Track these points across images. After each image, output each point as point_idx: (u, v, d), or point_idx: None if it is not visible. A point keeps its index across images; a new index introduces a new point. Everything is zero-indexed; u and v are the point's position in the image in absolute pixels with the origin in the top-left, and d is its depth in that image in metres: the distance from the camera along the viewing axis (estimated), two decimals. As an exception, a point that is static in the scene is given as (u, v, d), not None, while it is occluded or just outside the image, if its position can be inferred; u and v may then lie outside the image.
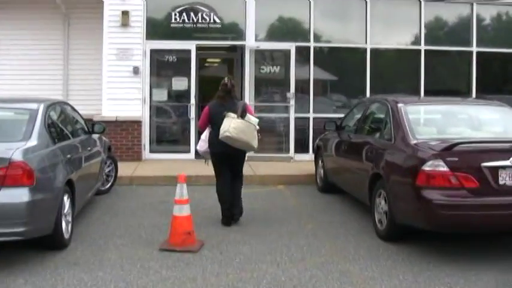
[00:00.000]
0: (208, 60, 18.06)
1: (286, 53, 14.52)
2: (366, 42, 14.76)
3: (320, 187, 11.21)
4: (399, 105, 8.27)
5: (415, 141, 7.42)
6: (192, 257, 6.93)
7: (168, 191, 10.01)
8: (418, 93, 14.76)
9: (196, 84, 14.57)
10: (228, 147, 8.34)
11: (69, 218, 7.45)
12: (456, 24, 15.48)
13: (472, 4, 15.08)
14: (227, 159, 8.59)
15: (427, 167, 6.79)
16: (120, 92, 13.90)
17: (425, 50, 14.93)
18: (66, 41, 15.01)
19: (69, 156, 7.71)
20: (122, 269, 6.50)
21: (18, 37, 14.83)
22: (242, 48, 14.81)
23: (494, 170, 6.72)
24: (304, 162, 13.46)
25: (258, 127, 8.46)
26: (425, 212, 6.79)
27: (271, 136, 14.54)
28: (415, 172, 6.90)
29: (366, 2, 14.65)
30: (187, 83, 14.43)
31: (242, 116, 8.30)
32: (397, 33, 15.20)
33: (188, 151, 14.21)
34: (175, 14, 14.30)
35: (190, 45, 14.33)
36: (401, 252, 7.19)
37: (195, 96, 14.44)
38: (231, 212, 8.59)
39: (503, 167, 6.73)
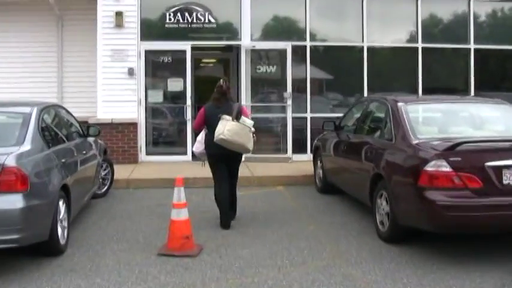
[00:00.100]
0: (204, 60, 17.96)
1: (282, 53, 14.38)
2: (363, 41, 14.64)
3: (319, 188, 11.08)
4: (399, 104, 8.14)
5: (416, 141, 7.29)
6: (191, 262, 6.80)
7: (166, 194, 9.88)
8: (415, 91, 14.67)
9: (192, 85, 14.46)
10: (224, 149, 8.33)
11: (65, 224, 7.30)
12: (453, 21, 15.37)
13: (469, 0, 14.97)
14: (224, 160, 8.56)
15: (429, 168, 6.66)
16: (115, 93, 13.75)
17: (422, 48, 14.82)
18: (60, 42, 14.86)
19: (63, 160, 7.56)
20: (119, 275, 6.36)
21: (10, 39, 14.69)
22: (238, 48, 14.71)
23: (498, 170, 6.59)
24: (303, 163, 13.31)
25: (253, 129, 8.45)
26: (429, 213, 6.66)
27: (269, 136, 14.47)
28: (418, 173, 6.76)
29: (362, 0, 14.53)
30: (183, 83, 14.29)
31: (237, 118, 8.30)
32: (393, 31, 15.08)
33: (185, 153, 14.06)
34: (169, 14, 14.16)
35: (186, 46, 14.19)
36: (403, 254, 7.06)
37: (191, 97, 14.32)
38: (229, 215, 8.52)
39: (508, 167, 6.60)
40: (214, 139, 8.22)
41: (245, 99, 14.14)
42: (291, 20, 14.96)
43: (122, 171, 12.04)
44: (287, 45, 14.25)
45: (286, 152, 14.29)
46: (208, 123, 8.52)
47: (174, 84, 14.40)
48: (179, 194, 7.19)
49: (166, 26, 14.24)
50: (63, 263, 6.77)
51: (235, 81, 15.38)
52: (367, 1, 14.54)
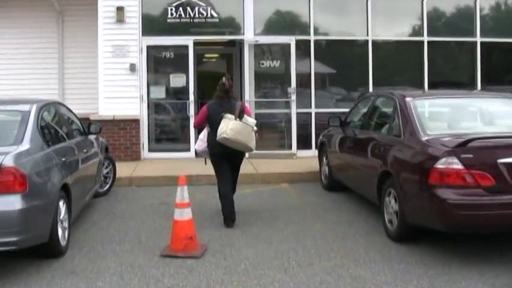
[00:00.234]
0: (207, 55, 17.75)
1: (286, 47, 14.18)
2: (368, 34, 14.44)
3: (325, 185, 10.89)
4: (407, 99, 7.93)
5: (426, 138, 7.08)
6: (195, 263, 6.62)
7: (169, 192, 9.80)
8: (421, 85, 14.46)
9: (195, 80, 14.25)
10: (226, 148, 8.30)
11: (66, 224, 7.12)
12: (459, 14, 15.13)
13: (475, -7, 14.78)
14: (226, 158, 8.51)
15: (440, 165, 6.46)
16: (117, 90, 13.58)
17: (428, 41, 14.60)
18: (61, 39, 14.73)
19: (64, 159, 7.37)
20: (121, 278, 6.19)
21: (10, 36, 14.58)
22: (241, 43, 14.49)
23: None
24: (307, 159, 13.14)
25: (255, 128, 8.45)
26: (439, 212, 6.46)
27: (273, 132, 14.33)
28: (428, 170, 6.56)
29: (367, -8, 14.36)
30: (186, 79, 14.12)
31: (239, 117, 8.27)
32: (399, 25, 14.87)
33: (188, 149, 13.88)
34: (171, 9, 13.97)
35: (188, 41, 14.01)
36: (413, 253, 6.87)
37: (193, 92, 14.11)
38: (233, 213, 8.39)
39: (521, 163, 6.40)
40: (217, 138, 8.18)
41: (248, 94, 13.96)
42: (295, 14, 14.73)
43: (124, 169, 11.87)
44: (291, 40, 14.05)
45: (290, 148, 14.09)
46: (211, 122, 8.48)
47: (176, 80, 14.23)
48: (182, 193, 7.00)
49: (168, 20, 14.05)
50: (63, 265, 6.60)
51: (239, 76, 15.15)
52: (372, -5, 14.37)
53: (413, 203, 6.93)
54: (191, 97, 14.04)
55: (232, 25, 14.49)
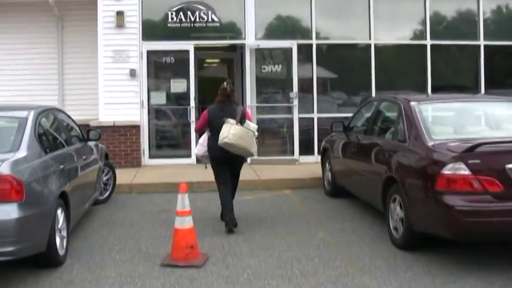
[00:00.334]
0: (208, 60, 17.67)
1: (287, 51, 14.06)
2: (370, 38, 14.30)
3: (328, 191, 10.73)
4: (412, 103, 7.78)
5: (432, 143, 6.92)
6: (197, 273, 6.46)
7: (169, 199, 9.66)
8: (424, 89, 14.32)
9: (196, 85, 14.14)
10: (227, 153, 8.27)
11: (64, 233, 6.98)
12: (462, 17, 14.99)
13: (478, -4, 14.64)
14: (226, 163, 8.49)
15: (446, 171, 6.31)
16: (117, 95, 13.45)
17: (431, 45, 14.45)
18: (60, 44, 14.59)
19: (62, 166, 7.23)
20: (120, 289, 6.04)
21: (10, 41, 14.42)
22: (242, 48, 14.38)
23: (520, 172, 6.24)
24: (310, 165, 13.02)
25: (256, 133, 8.47)
26: (446, 219, 6.31)
27: (275, 138, 14.22)
28: (434, 176, 6.42)
29: (369, -4, 14.23)
30: (186, 84, 13.98)
31: (241, 122, 8.27)
32: (401, 28, 14.74)
33: (189, 155, 13.74)
34: (171, 14, 13.85)
35: (188, 46, 13.88)
36: (419, 261, 6.72)
37: (194, 98, 13.98)
38: (233, 219, 8.30)
39: (530, 169, 6.24)
40: (219, 142, 8.14)
41: (250, 99, 13.83)
42: (296, 18, 14.59)
43: (124, 176, 11.72)
44: (293, 44, 13.93)
45: (292, 153, 13.95)
46: (212, 126, 8.46)
47: (177, 85, 14.09)
48: (183, 201, 6.85)
49: (168, 25, 13.94)
50: (62, 275, 6.46)
51: (240, 81, 15.05)
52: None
53: (419, 209, 6.78)
54: (192, 103, 13.91)
55: (233, 29, 14.36)
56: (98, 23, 13.48)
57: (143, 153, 13.78)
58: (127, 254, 7.22)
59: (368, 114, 9.58)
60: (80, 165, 8.30)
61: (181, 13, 13.86)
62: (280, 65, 14.35)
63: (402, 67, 15.09)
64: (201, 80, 15.50)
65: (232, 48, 15.48)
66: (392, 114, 8.45)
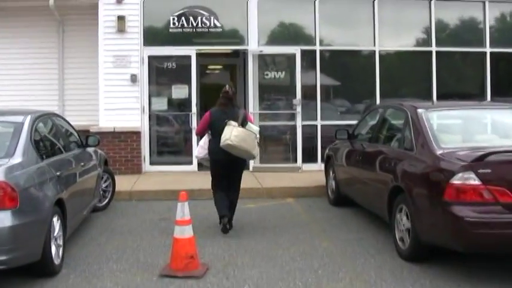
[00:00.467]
0: (210, 66, 17.46)
1: (291, 58, 13.88)
2: (375, 45, 14.11)
3: (332, 200, 10.52)
4: (419, 111, 7.58)
5: (440, 151, 6.71)
6: (196, 284, 6.26)
7: (170, 206, 9.47)
8: (430, 96, 14.11)
9: (198, 92, 13.98)
10: (229, 155, 8.30)
11: (60, 242, 6.77)
12: (468, 24, 14.79)
13: (484, 3, 14.42)
14: (227, 166, 8.54)
15: (456, 180, 6.10)
16: (118, 101, 13.28)
17: (436, 52, 14.25)
18: (61, 49, 14.39)
19: (58, 173, 7.02)
20: (117, 300, 5.83)
21: (10, 45, 14.23)
22: (245, 53, 14.23)
23: (533, 183, 6.02)
24: (313, 173, 12.81)
25: (258, 136, 8.53)
26: (455, 230, 6.10)
27: (278, 145, 14.04)
28: (443, 186, 6.20)
29: (374, 3, 13.98)
30: (188, 90, 13.80)
31: (243, 124, 8.33)
32: (406, 35, 14.54)
33: (190, 162, 13.53)
34: (173, 19, 13.67)
35: (190, 51, 13.70)
36: (426, 274, 6.51)
37: (196, 104, 13.82)
38: (228, 219, 8.39)
39: (543, 179, 6.02)
40: (221, 144, 8.17)
41: (252, 106, 13.64)
42: (300, 25, 14.39)
43: (124, 183, 11.55)
44: (296, 50, 13.75)
45: (295, 161, 13.75)
46: (213, 129, 8.50)
47: (178, 91, 13.91)
48: (183, 210, 6.63)
49: (170, 30, 13.76)
50: (57, 285, 6.28)
51: (242, 87, 14.87)
52: (378, 5, 14.02)
53: (426, 220, 6.57)
54: (194, 109, 13.74)
55: (236, 35, 14.17)
56: (99, 27, 13.33)
57: (144, 159, 13.59)
58: (125, 264, 7.02)
59: (373, 122, 9.39)
60: (78, 172, 8.11)
61: (183, 18, 13.69)
62: (283, 72, 14.15)
63: (407, 74, 14.87)
64: (203, 86, 15.34)
65: (235, 54, 15.31)
66: (398, 122, 8.26)
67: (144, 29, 13.58)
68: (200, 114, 13.70)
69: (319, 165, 13.06)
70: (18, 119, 6.97)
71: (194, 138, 13.34)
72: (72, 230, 7.60)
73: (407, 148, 7.46)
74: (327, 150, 11.23)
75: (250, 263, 7.02)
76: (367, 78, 14.24)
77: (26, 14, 14.14)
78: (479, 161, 6.13)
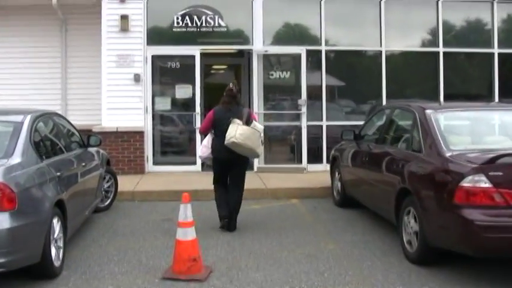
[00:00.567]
0: (214, 66, 17.34)
1: (296, 57, 13.72)
2: (381, 45, 13.97)
3: (337, 201, 10.37)
4: (427, 112, 7.42)
5: (449, 153, 6.55)
6: (199, 287, 6.11)
7: (173, 207, 9.31)
8: (437, 97, 13.96)
9: (202, 91, 13.85)
10: (232, 153, 8.31)
11: (60, 243, 6.63)
12: (476, 25, 14.65)
13: (492, 3, 14.26)
14: (229, 165, 8.53)
15: (466, 183, 5.94)
16: (121, 101, 13.15)
17: (443, 52, 14.10)
18: (64, 48, 14.31)
19: (59, 173, 6.88)
20: (118, 304, 5.69)
21: (11, 44, 14.16)
22: (249, 53, 14.08)
23: (545, 186, 5.85)
24: (318, 173, 12.67)
25: (262, 134, 8.55)
26: (465, 234, 5.94)
27: (282, 146, 13.93)
28: (452, 189, 6.05)
29: (380, 3, 13.83)
30: (192, 90, 13.69)
31: (247, 122, 8.32)
32: (413, 35, 14.39)
33: (194, 163, 13.38)
34: (177, 18, 13.54)
35: (194, 51, 13.57)
36: (435, 278, 6.35)
37: (200, 104, 13.70)
38: (228, 216, 8.47)
39: (556, 182, 5.86)
40: (225, 142, 8.18)
41: (257, 106, 13.49)
42: (305, 25, 14.25)
43: (127, 183, 11.43)
44: (302, 50, 13.59)
45: (300, 162, 13.59)
46: (217, 127, 8.50)
47: (182, 91, 13.78)
48: (185, 212, 6.49)
49: (174, 29, 13.63)
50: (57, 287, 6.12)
51: (247, 87, 14.72)
52: (385, 6, 13.87)
53: (435, 223, 6.41)
54: (198, 109, 13.61)
55: (240, 35, 14.04)
56: (102, 26, 13.21)
57: (147, 159, 13.46)
58: (126, 266, 6.89)
59: (380, 123, 9.25)
60: (80, 172, 7.98)
61: (187, 17, 13.56)
62: (288, 72, 14.02)
63: (413, 75, 14.71)
64: (207, 86, 15.20)
65: (240, 53, 15.16)
66: (406, 123, 8.12)
67: (147, 28, 13.46)
68: (204, 114, 13.59)
69: (325, 166, 12.97)
70: (18, 118, 6.83)
71: (198, 138, 13.19)
72: (73, 231, 7.48)
73: (415, 149, 7.31)
74: (332, 151, 11.09)
75: (254, 265, 6.87)
76: (373, 79, 14.11)
77: (28, 12, 14.07)
78: (490, 164, 5.99)
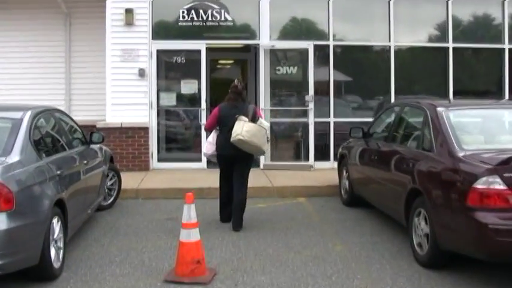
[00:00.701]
0: (220, 61, 17.14)
1: (303, 53, 13.48)
2: (390, 40, 13.73)
3: (345, 200, 10.17)
4: (439, 109, 7.19)
5: (462, 153, 6.33)
6: (203, 291, 5.93)
7: (178, 205, 9.02)
8: (446, 93, 13.73)
9: (207, 87, 13.66)
10: (238, 150, 8.27)
11: (60, 244, 6.46)
12: (486, 20, 14.41)
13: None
14: (234, 162, 8.48)
15: (479, 185, 5.72)
16: (125, 96, 12.98)
17: (453, 48, 13.86)
18: (68, 42, 14.19)
19: (59, 172, 6.69)
20: (119, 308, 5.51)
21: (17, 38, 14.04)
22: (256, 48, 13.88)
23: (563, 188, 5.63)
24: (325, 171, 12.48)
25: (268, 132, 8.57)
26: (478, 238, 5.73)
27: (289, 142, 13.73)
28: (465, 190, 5.83)
29: (389, -3, 13.66)
30: (198, 85, 13.49)
31: (253, 119, 8.31)
32: (422, 31, 14.14)
33: (199, 159, 13.15)
34: (183, 12, 13.33)
35: (200, 45, 13.36)
36: (446, 281, 6.16)
37: (206, 100, 13.52)
38: (228, 210, 8.57)
39: None
40: (232, 139, 8.13)
41: (264, 102, 13.29)
42: (313, 20, 14.03)
43: (131, 180, 11.26)
44: (309, 45, 13.35)
45: (307, 159, 13.37)
46: (223, 124, 8.46)
47: (188, 86, 13.59)
48: (189, 213, 6.28)
49: (179, 24, 13.42)
50: (56, 290, 5.95)
51: (253, 83, 14.53)
52: (394, 0, 13.60)
53: (447, 226, 6.20)
54: (203, 104, 13.42)
55: (247, 29, 13.83)
56: (107, 20, 13.02)
57: (151, 156, 13.27)
58: (128, 267, 6.71)
59: (389, 120, 9.02)
60: (81, 170, 7.81)
61: (193, 11, 13.35)
62: (295, 67, 13.80)
63: (422, 70, 14.44)
64: (213, 81, 15.01)
65: (246, 48, 14.98)
66: (416, 121, 7.90)
67: (152, 23, 13.26)
68: (210, 110, 13.40)
69: (332, 164, 12.80)
70: (17, 115, 6.64)
71: (203, 134, 12.99)
72: (74, 230, 7.32)
73: (426, 148, 7.09)
74: (340, 149, 10.88)
75: (260, 268, 6.68)
76: (381, 74, 13.90)
77: (32, 6, 13.98)
78: (505, 165, 5.78)
